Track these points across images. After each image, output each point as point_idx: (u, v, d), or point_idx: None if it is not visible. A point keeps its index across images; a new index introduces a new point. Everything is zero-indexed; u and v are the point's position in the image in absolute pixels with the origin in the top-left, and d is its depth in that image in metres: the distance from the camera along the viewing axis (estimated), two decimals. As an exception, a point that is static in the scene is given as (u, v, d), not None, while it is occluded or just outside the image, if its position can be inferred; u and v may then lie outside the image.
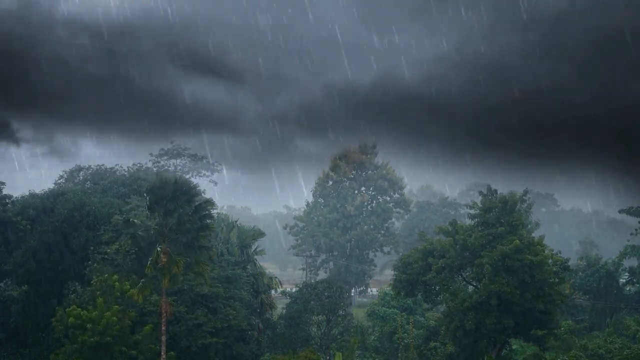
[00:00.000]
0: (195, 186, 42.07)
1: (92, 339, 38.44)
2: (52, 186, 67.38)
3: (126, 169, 71.74)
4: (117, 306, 39.97)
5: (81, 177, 71.03)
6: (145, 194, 41.28)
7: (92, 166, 72.57)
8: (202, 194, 53.51)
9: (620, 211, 75.06)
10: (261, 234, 62.45)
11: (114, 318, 39.31)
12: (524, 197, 68.86)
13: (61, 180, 71.83)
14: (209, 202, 42.47)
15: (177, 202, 39.92)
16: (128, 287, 41.57)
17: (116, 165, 73.08)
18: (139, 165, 76.61)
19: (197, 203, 41.16)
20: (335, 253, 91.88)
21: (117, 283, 41.55)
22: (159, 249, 39.25)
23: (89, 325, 38.77)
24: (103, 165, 72.14)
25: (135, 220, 40.35)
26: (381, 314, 61.46)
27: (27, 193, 58.90)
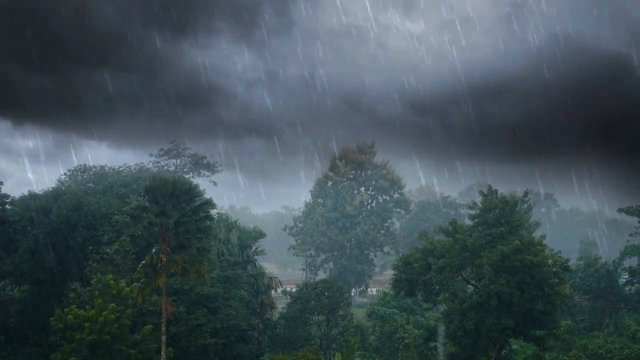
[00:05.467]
0: (195, 186, 41.56)
1: (90, 337, 38.39)
2: (54, 185, 67.54)
3: (129, 170, 71.90)
4: (113, 304, 39.89)
5: (84, 177, 71.16)
6: (143, 194, 40.82)
7: (96, 166, 72.87)
8: (202, 194, 53.46)
9: (619, 210, 75.08)
10: (261, 235, 62.37)
11: (112, 316, 39.24)
12: (525, 199, 69.12)
13: (64, 177, 72.02)
14: (209, 203, 41.98)
15: (176, 202, 39.60)
16: (124, 285, 41.52)
17: (124, 165, 73.39)
18: (141, 165, 76.76)
19: (196, 203, 40.75)
20: (335, 253, 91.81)
21: (112, 282, 41.48)
22: (154, 250, 39.08)
23: (86, 324, 38.71)
24: (106, 165, 72.46)
25: (144, 215, 39.76)
26: (381, 314, 61.43)
27: (27, 193, 58.92)
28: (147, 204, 39.78)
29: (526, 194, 70.47)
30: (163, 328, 39.36)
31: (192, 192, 40.37)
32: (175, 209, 39.52)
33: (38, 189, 60.70)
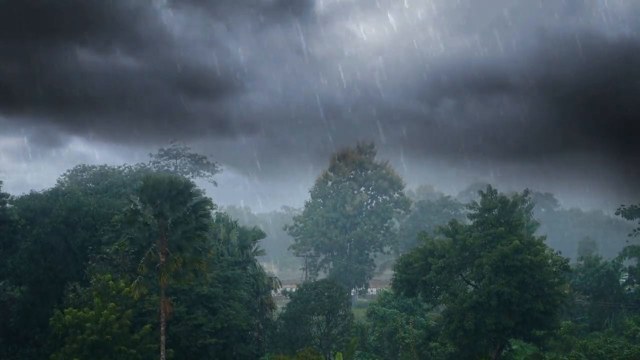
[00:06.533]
0: (191, 185, 41.26)
1: (91, 338, 38.35)
2: (54, 185, 67.61)
3: (129, 170, 71.99)
4: (113, 304, 39.85)
5: (84, 177, 71.26)
6: (137, 194, 40.47)
7: (95, 166, 73.00)
8: (202, 194, 53.56)
9: (617, 212, 74.94)
10: (261, 235, 62.29)
11: (112, 316, 39.21)
12: (525, 198, 69.17)
13: (64, 177, 72.12)
14: (206, 202, 41.74)
15: (172, 202, 39.33)
16: (123, 285, 41.49)
17: (124, 165, 73.51)
18: (142, 165, 76.86)
19: (193, 202, 40.40)
20: (335, 253, 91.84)
21: (111, 282, 41.44)
22: (152, 248, 38.97)
23: (87, 325, 38.69)
24: (106, 165, 72.55)
25: (138, 219, 39.63)
26: (381, 314, 61.42)
27: (28, 193, 58.98)
28: (139, 205, 39.42)
29: (526, 193, 70.47)
30: (162, 328, 39.33)
31: (188, 191, 40.06)
32: (172, 209, 39.25)
33: (21, 187, 60.90)
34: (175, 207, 39.38)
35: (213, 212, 54.64)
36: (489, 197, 48.25)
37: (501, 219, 46.78)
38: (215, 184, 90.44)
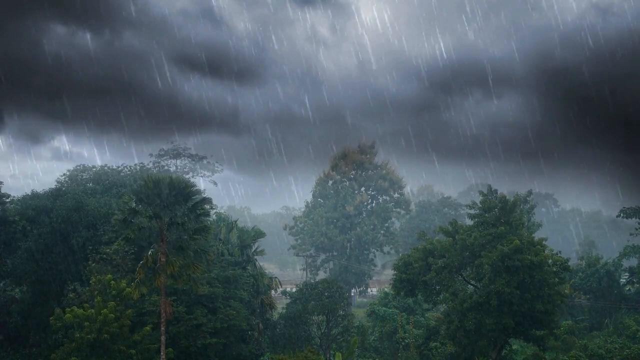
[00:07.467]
0: (191, 184, 40.95)
1: (90, 337, 38.32)
2: (53, 185, 67.56)
3: (129, 170, 71.96)
4: (113, 303, 39.80)
5: (84, 177, 71.24)
6: (133, 194, 40.17)
7: (95, 166, 72.99)
8: (202, 194, 53.54)
9: (618, 215, 74.99)
10: (261, 235, 62.30)
11: (111, 315, 39.16)
12: (527, 198, 69.18)
13: (63, 177, 72.12)
14: (206, 200, 41.46)
15: (171, 203, 39.11)
16: (124, 285, 41.46)
17: (122, 164, 73.50)
18: (141, 165, 76.82)
19: (192, 202, 39.96)
20: (335, 253, 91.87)
21: (112, 282, 41.40)
22: (150, 251, 38.73)
23: (86, 324, 38.66)
24: (106, 165, 72.54)
25: (132, 220, 39.39)
26: (381, 314, 61.47)
27: (27, 193, 58.98)
28: (139, 206, 39.18)
29: (529, 193, 70.44)
30: (162, 328, 39.29)
31: (187, 190, 39.77)
32: (170, 210, 39.03)
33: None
34: (174, 207, 39.15)
35: (213, 212, 54.59)
36: (489, 197, 48.28)
37: (501, 218, 46.79)
38: (215, 183, 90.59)
